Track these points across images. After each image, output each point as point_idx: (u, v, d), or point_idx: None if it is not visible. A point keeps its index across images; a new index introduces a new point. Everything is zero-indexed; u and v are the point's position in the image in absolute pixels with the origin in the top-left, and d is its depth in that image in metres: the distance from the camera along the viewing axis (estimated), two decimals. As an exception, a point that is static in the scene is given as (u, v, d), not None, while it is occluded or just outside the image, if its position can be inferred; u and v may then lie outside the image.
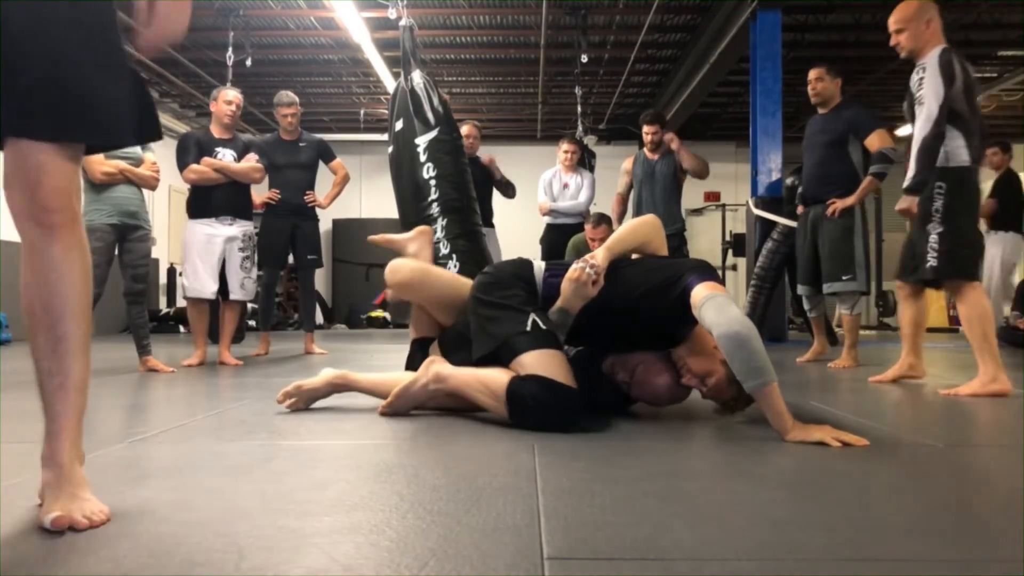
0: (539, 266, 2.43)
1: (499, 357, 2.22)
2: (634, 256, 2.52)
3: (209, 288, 4.58)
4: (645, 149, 5.94)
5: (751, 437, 2.05)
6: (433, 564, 1.04)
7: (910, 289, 3.49)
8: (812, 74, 4.70)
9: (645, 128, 5.87)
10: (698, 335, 2.26)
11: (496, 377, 2.18)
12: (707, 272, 2.21)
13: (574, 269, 2.23)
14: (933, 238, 3.18)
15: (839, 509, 1.37)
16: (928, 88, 3.09)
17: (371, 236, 3.12)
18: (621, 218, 6.03)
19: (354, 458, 1.83)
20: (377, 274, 13.26)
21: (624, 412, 2.48)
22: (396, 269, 2.70)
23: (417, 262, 2.80)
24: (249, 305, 7.07)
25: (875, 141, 4.42)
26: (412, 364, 2.67)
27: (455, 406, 2.40)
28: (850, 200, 4.43)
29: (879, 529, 1.23)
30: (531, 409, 2.10)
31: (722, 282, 2.25)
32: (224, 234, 4.62)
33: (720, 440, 2.10)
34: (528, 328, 2.19)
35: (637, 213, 5.93)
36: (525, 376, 2.13)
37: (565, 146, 6.30)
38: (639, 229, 2.44)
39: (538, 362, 2.13)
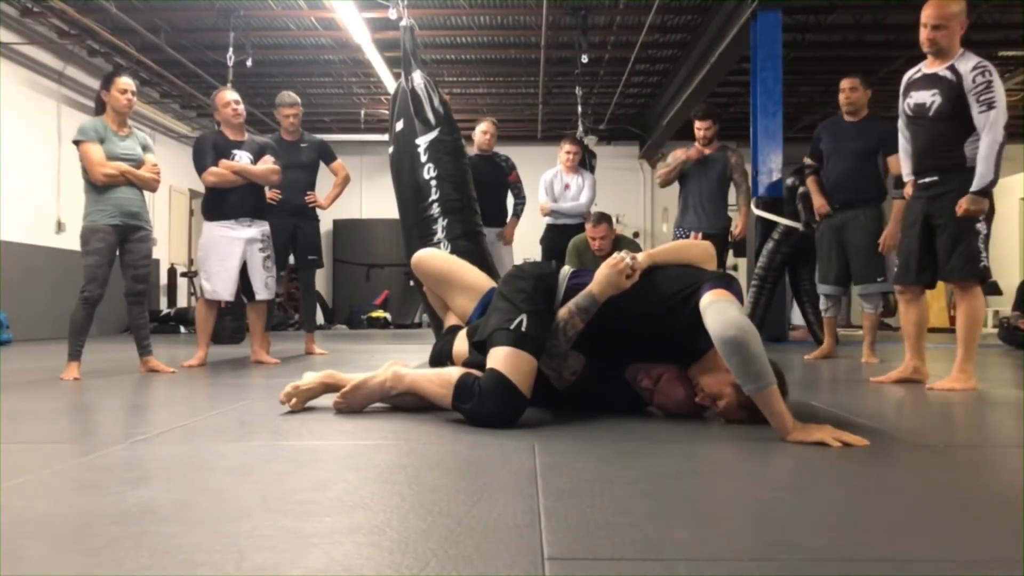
0: (567, 270, 2.48)
1: (485, 346, 2.26)
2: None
3: (228, 290, 4.57)
4: (697, 144, 5.80)
5: (751, 437, 2.05)
6: (434, 564, 1.04)
7: (914, 291, 3.49)
8: (846, 83, 4.80)
9: (697, 124, 5.71)
10: (713, 354, 2.23)
11: (452, 371, 2.28)
12: (721, 281, 2.19)
13: (616, 255, 2.27)
14: (982, 238, 3.25)
15: (839, 509, 1.37)
16: (998, 92, 3.15)
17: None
18: (667, 182, 5.82)
19: (355, 458, 1.83)
20: (377, 274, 13.29)
21: (628, 413, 2.48)
22: (421, 257, 2.90)
23: (440, 251, 3.01)
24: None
25: (897, 164, 4.55)
26: (440, 350, 2.71)
27: (407, 404, 2.49)
28: (893, 227, 4.57)
29: (879, 529, 1.24)
30: (474, 394, 2.15)
31: (739, 293, 2.20)
32: (244, 236, 4.62)
33: (720, 440, 2.10)
34: (511, 326, 2.22)
35: (685, 207, 5.78)
36: (484, 372, 2.18)
37: (567, 147, 6.29)
38: (690, 251, 2.43)
39: (504, 358, 2.17)
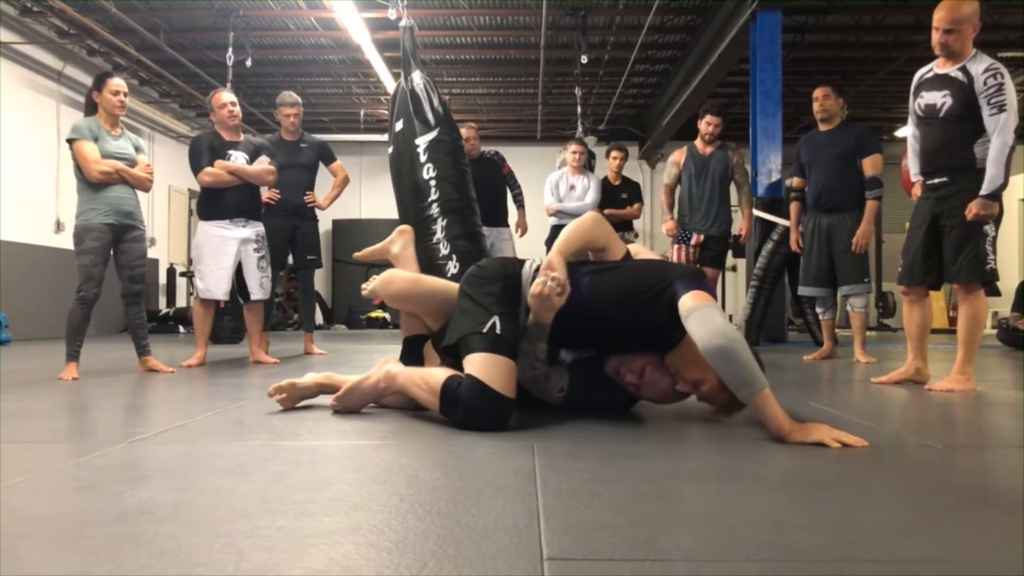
0: (529, 264, 2.43)
1: (457, 351, 2.25)
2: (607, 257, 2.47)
3: (221, 289, 4.58)
4: (697, 142, 5.77)
5: (751, 437, 2.05)
6: (433, 565, 1.04)
7: (918, 292, 3.48)
8: (819, 92, 4.92)
9: (708, 118, 5.66)
10: (689, 342, 2.20)
11: (436, 375, 2.24)
12: (694, 280, 2.17)
13: (536, 284, 2.17)
14: (990, 240, 3.25)
15: (839, 509, 1.37)
16: (1009, 95, 3.13)
17: (355, 254, 3.20)
18: (671, 208, 5.87)
19: (354, 458, 1.83)
20: (377, 274, 13.27)
21: (625, 413, 2.48)
22: (388, 281, 2.72)
23: (408, 273, 2.81)
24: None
25: (872, 165, 4.80)
26: (404, 363, 2.67)
27: (404, 404, 2.47)
28: (866, 227, 4.77)
29: (879, 529, 1.23)
30: (459, 407, 2.14)
31: (712, 289, 2.20)
32: (238, 236, 4.62)
33: (720, 441, 2.09)
34: (484, 330, 2.19)
35: (686, 208, 5.76)
36: (462, 377, 2.16)
37: (573, 147, 6.33)
38: (580, 228, 2.38)
39: (482, 364, 2.14)
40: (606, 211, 6.47)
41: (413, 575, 1.01)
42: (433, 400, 2.21)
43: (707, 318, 2.02)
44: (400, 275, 2.76)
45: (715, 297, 2.17)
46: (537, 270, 2.38)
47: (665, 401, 2.38)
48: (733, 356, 1.95)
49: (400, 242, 3.04)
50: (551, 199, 6.24)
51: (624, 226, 6.66)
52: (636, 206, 6.77)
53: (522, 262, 2.46)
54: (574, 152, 6.28)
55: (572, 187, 6.28)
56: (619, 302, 2.25)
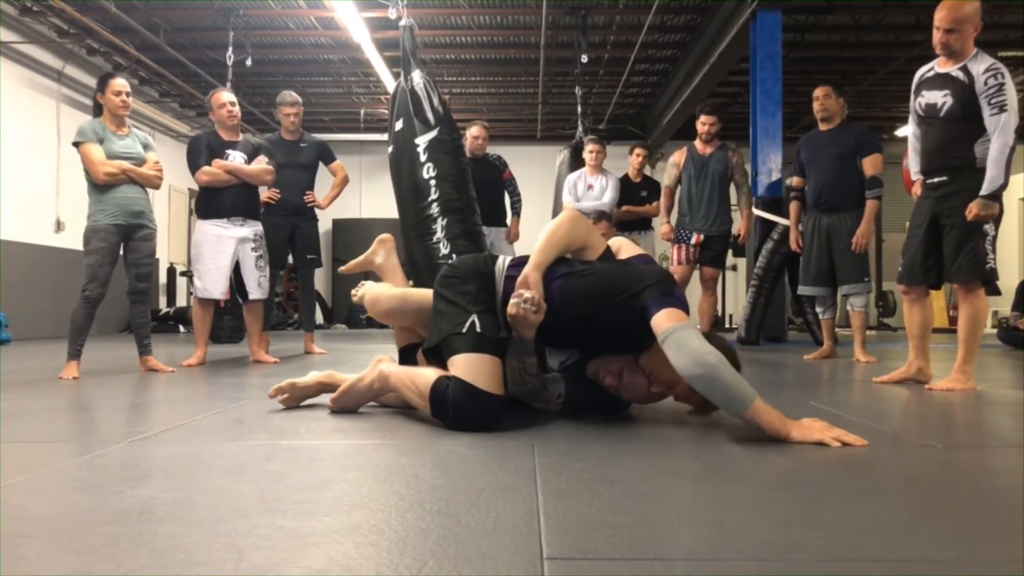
0: (502, 261, 2.41)
1: (440, 353, 2.24)
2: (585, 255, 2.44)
3: (218, 288, 4.58)
4: (697, 142, 5.81)
5: (750, 437, 2.05)
6: (432, 564, 1.04)
7: (918, 291, 3.47)
8: (819, 91, 4.92)
9: (704, 118, 5.71)
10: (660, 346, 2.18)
11: (425, 376, 2.23)
12: (666, 291, 2.12)
13: (511, 305, 2.15)
14: (990, 239, 3.24)
15: (839, 509, 1.37)
16: (1010, 96, 3.13)
17: (340, 268, 3.20)
18: (669, 211, 5.94)
19: (354, 458, 1.83)
20: (377, 275, 13.28)
21: (623, 414, 2.48)
22: (375, 300, 2.73)
23: (394, 289, 2.79)
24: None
25: (872, 165, 4.79)
26: None
27: (402, 403, 2.45)
28: (866, 227, 4.77)
29: (879, 529, 1.23)
30: (449, 411, 2.13)
31: (683, 297, 2.17)
32: (236, 235, 4.62)
33: (719, 440, 2.09)
34: (464, 330, 2.19)
35: (686, 208, 5.79)
36: (450, 377, 2.15)
37: (591, 146, 6.34)
38: (557, 232, 2.35)
39: (466, 365, 2.14)
40: (624, 208, 6.49)
41: (413, 574, 1.01)
42: (423, 403, 2.21)
43: (684, 344, 1.99)
44: (386, 293, 2.76)
45: (686, 309, 2.12)
46: (511, 266, 2.37)
47: (644, 401, 2.38)
48: (715, 381, 1.95)
49: (383, 252, 3.01)
50: (569, 199, 6.27)
51: (642, 224, 6.65)
52: (655, 204, 6.73)
53: (495, 258, 2.45)
54: (591, 151, 6.29)
55: (590, 187, 6.30)
56: (590, 306, 2.23)
